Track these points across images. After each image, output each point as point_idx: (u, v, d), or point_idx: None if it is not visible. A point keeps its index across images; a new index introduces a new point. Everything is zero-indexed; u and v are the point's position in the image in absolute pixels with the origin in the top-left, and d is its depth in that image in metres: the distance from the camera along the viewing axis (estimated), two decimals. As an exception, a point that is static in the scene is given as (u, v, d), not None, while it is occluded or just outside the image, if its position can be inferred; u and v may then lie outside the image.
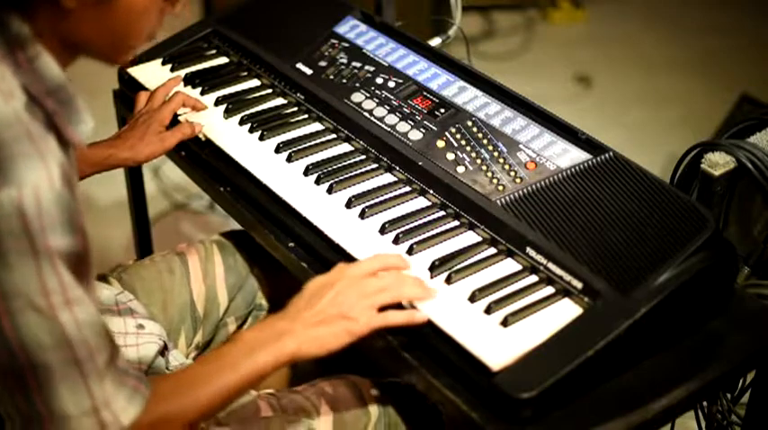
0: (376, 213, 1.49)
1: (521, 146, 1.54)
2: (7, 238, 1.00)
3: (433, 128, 1.61)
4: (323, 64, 1.80)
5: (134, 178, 2.04)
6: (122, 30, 1.10)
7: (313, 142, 1.66)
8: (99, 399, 1.07)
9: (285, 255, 1.50)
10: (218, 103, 1.77)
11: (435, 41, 2.02)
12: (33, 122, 1.03)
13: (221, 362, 1.20)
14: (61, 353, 1.04)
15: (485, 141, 1.56)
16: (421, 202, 1.52)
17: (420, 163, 1.55)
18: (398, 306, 1.30)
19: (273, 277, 1.77)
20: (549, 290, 1.35)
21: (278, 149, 1.64)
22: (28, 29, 1.03)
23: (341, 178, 1.56)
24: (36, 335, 1.02)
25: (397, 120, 1.64)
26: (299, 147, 1.64)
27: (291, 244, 1.49)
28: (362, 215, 1.48)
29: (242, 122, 1.71)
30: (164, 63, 1.91)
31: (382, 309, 1.28)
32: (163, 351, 1.53)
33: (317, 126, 1.71)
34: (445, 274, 1.36)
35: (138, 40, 1.13)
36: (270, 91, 1.81)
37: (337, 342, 1.25)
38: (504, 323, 1.28)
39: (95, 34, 1.08)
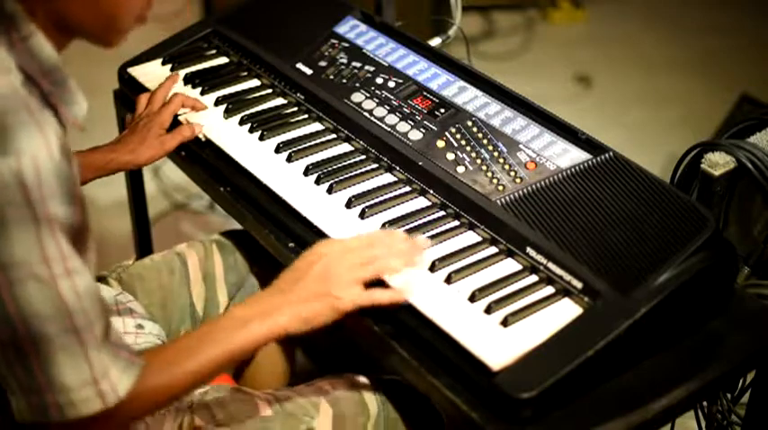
0: (376, 213, 1.49)
1: (521, 146, 1.54)
2: (7, 208, 1.01)
3: (433, 128, 1.61)
4: (323, 64, 1.80)
5: (134, 178, 2.04)
6: (110, 10, 1.11)
7: (313, 142, 1.66)
8: (97, 370, 1.09)
9: (285, 255, 1.50)
10: (218, 103, 1.77)
11: (435, 41, 2.02)
12: (30, 97, 1.04)
13: (211, 337, 1.22)
14: (61, 323, 1.05)
15: (485, 141, 1.56)
16: (421, 202, 1.52)
17: (420, 163, 1.55)
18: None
19: (273, 277, 1.76)
20: (549, 290, 1.35)
21: (278, 149, 1.64)
22: (21, 8, 1.05)
23: (341, 178, 1.56)
24: (36, 305, 1.04)
25: (397, 120, 1.64)
26: (299, 147, 1.64)
27: (291, 244, 1.49)
28: (362, 215, 1.48)
29: (242, 122, 1.71)
30: (164, 63, 1.91)
31: (371, 285, 1.30)
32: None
33: (316, 126, 1.71)
34: (445, 274, 1.36)
35: (126, 21, 1.15)
36: (270, 91, 1.81)
37: (323, 318, 1.27)
38: (505, 323, 1.28)
39: (85, 15, 1.10)
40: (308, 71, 1.79)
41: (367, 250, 1.31)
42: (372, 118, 1.66)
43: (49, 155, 1.02)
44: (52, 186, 1.03)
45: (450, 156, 1.55)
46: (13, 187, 1.00)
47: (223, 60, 1.92)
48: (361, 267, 1.29)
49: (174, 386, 1.19)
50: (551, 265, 1.35)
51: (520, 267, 1.39)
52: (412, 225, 1.46)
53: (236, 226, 1.71)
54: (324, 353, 1.99)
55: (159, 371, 1.17)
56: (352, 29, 1.86)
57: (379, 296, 1.30)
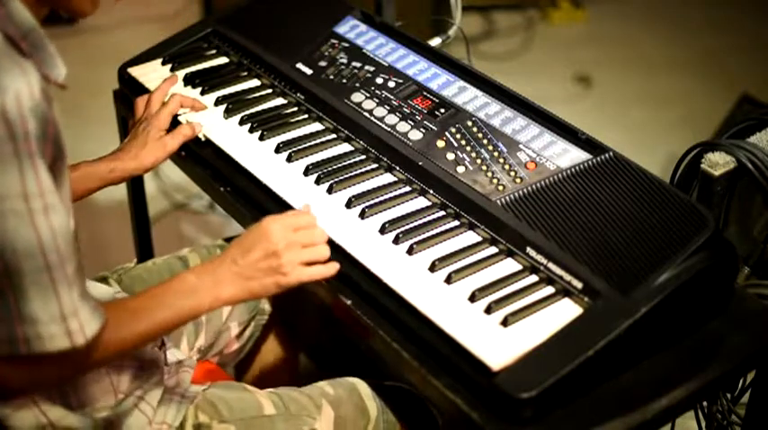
0: (376, 213, 1.49)
1: (521, 146, 1.54)
2: None
3: (433, 128, 1.61)
4: (323, 64, 1.80)
5: (134, 178, 2.04)
6: None
7: (313, 142, 1.66)
8: (67, 307, 1.12)
9: (285, 254, 1.49)
10: (218, 102, 1.77)
11: (435, 41, 2.02)
12: (12, 51, 1.08)
13: (162, 300, 1.29)
14: (34, 259, 1.09)
15: (485, 141, 1.56)
16: (421, 202, 1.52)
17: (420, 163, 1.55)
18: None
19: None
20: (549, 290, 1.35)
21: (278, 149, 1.63)
22: None
23: (341, 178, 1.56)
24: (12, 238, 1.07)
25: (397, 120, 1.64)
26: (299, 147, 1.64)
27: (291, 244, 1.49)
28: (362, 215, 1.48)
29: (242, 122, 1.71)
30: (164, 63, 1.91)
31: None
32: (161, 345, 1.53)
33: (316, 126, 1.71)
34: (445, 274, 1.36)
35: None
36: (270, 91, 1.81)
37: (267, 293, 1.36)
38: (505, 323, 1.28)
39: None
40: (308, 71, 1.79)
41: (308, 231, 1.38)
42: (372, 118, 1.66)
43: (30, 94, 1.06)
44: (33, 122, 1.06)
45: (450, 156, 1.55)
46: None
47: (223, 60, 1.92)
48: (305, 248, 1.37)
49: (126, 342, 1.25)
50: (551, 265, 1.35)
51: (520, 267, 1.39)
52: (412, 225, 1.46)
53: (237, 227, 1.71)
54: (326, 355, 1.99)
55: (115, 326, 1.22)
56: (352, 29, 1.86)
57: (318, 272, 1.38)
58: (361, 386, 1.52)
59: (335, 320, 1.44)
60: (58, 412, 1.30)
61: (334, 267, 1.40)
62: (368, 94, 1.70)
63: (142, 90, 1.82)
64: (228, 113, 1.74)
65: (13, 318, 1.11)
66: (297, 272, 1.36)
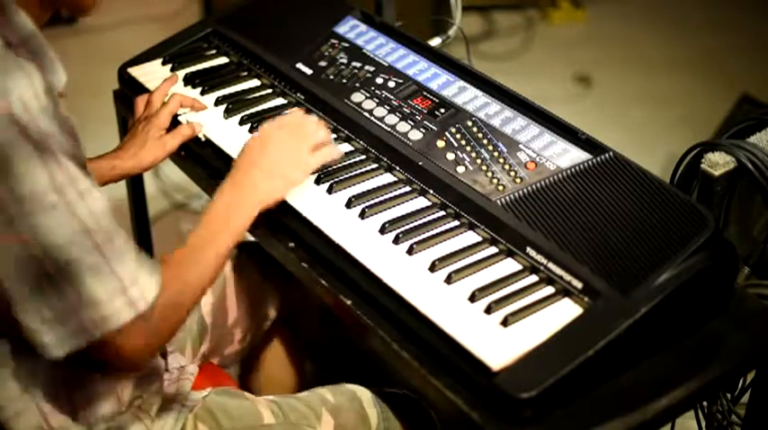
0: (376, 213, 1.49)
1: (521, 146, 1.54)
2: (7, 148, 1.05)
3: (433, 128, 1.61)
4: (323, 64, 1.80)
5: (134, 178, 2.03)
6: None
7: (313, 142, 1.65)
8: (125, 279, 1.13)
9: (285, 255, 1.50)
10: (218, 102, 1.77)
11: (435, 41, 2.02)
12: (12, 55, 1.09)
13: (213, 228, 1.33)
14: (82, 245, 1.10)
15: (485, 141, 1.56)
16: (421, 202, 1.52)
17: (420, 163, 1.55)
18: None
19: (285, 290, 1.77)
20: (550, 290, 1.35)
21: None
22: None
23: (341, 178, 1.56)
24: (56, 233, 1.08)
25: (397, 120, 1.64)
26: (299, 147, 1.64)
27: (291, 244, 1.49)
28: (362, 215, 1.48)
29: (242, 122, 1.71)
30: (164, 63, 1.91)
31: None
32: (163, 352, 1.53)
33: (317, 126, 1.71)
34: (445, 274, 1.36)
35: None
36: (270, 91, 1.81)
37: (297, 182, 1.47)
38: (505, 323, 1.28)
39: None
40: (308, 71, 1.79)
41: (306, 127, 1.51)
42: (372, 118, 1.66)
43: (34, 95, 1.06)
44: (45, 120, 1.07)
45: (450, 156, 1.55)
46: (7, 127, 1.04)
47: (223, 60, 1.92)
48: (308, 138, 1.49)
49: (202, 277, 1.28)
50: (551, 265, 1.35)
51: (520, 267, 1.39)
52: (412, 225, 1.46)
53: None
54: (328, 358, 1.99)
55: (183, 267, 1.26)
56: (352, 29, 1.86)
57: (327, 153, 1.51)
58: (362, 393, 1.51)
59: (337, 323, 1.44)
60: (61, 419, 1.29)
61: (338, 148, 1.55)
62: (368, 94, 1.70)
63: (142, 90, 1.82)
64: (228, 113, 1.74)
65: (78, 308, 1.11)
66: (307, 162, 1.47)
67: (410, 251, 1.41)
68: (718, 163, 1.64)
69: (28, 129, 1.05)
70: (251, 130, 1.69)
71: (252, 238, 1.61)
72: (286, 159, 1.45)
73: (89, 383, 1.30)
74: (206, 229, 1.33)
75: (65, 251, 1.09)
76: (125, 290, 1.13)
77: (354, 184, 1.55)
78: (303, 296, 1.80)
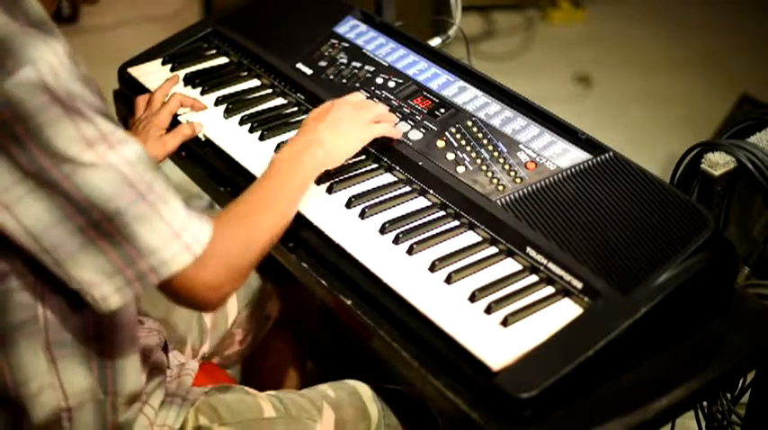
0: (376, 213, 1.49)
1: (521, 146, 1.54)
2: (39, 114, 1.07)
3: (433, 128, 1.61)
4: (323, 64, 1.80)
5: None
6: None
7: (313, 142, 1.65)
8: (176, 224, 1.16)
9: (285, 255, 1.50)
10: (218, 102, 1.77)
11: (435, 41, 2.02)
12: (31, 29, 1.11)
13: (271, 189, 1.37)
14: (126, 195, 1.12)
15: (485, 141, 1.56)
16: (421, 202, 1.52)
17: (420, 163, 1.55)
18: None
19: (285, 291, 1.77)
20: (550, 290, 1.35)
21: (278, 149, 1.63)
22: None
23: (341, 178, 1.56)
24: (98, 188, 1.10)
25: (397, 120, 1.64)
26: (299, 147, 1.63)
27: (291, 244, 1.49)
28: (362, 215, 1.48)
29: (242, 122, 1.71)
30: (164, 63, 1.91)
31: None
32: (164, 348, 1.53)
33: (317, 126, 1.71)
34: (445, 274, 1.36)
35: None
36: (270, 91, 1.81)
37: (359, 142, 1.51)
38: (505, 323, 1.28)
39: None
40: (308, 71, 1.79)
41: (366, 103, 1.57)
42: (372, 118, 1.66)
43: (59, 60, 1.09)
44: (72, 83, 1.09)
45: (450, 156, 1.55)
46: (38, 93, 1.07)
47: (223, 60, 1.92)
48: (368, 111, 1.54)
49: (256, 233, 1.29)
50: (551, 265, 1.35)
51: (520, 267, 1.39)
52: (412, 225, 1.46)
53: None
54: (328, 357, 1.99)
55: (233, 222, 1.28)
56: (352, 29, 1.86)
57: (385, 128, 1.56)
58: (363, 389, 1.52)
59: (337, 322, 1.44)
60: (81, 398, 1.27)
61: (398, 130, 1.58)
62: (368, 94, 1.70)
63: (142, 90, 1.82)
64: (228, 113, 1.74)
65: (134, 258, 1.13)
66: (367, 127, 1.52)
67: (410, 251, 1.41)
68: (718, 163, 1.64)
69: (57, 94, 1.08)
70: (251, 130, 1.69)
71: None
72: (348, 124, 1.49)
73: (118, 356, 1.30)
74: (272, 178, 1.38)
75: (111, 203, 1.11)
76: (178, 235, 1.16)
77: (354, 184, 1.55)
78: (303, 297, 1.80)
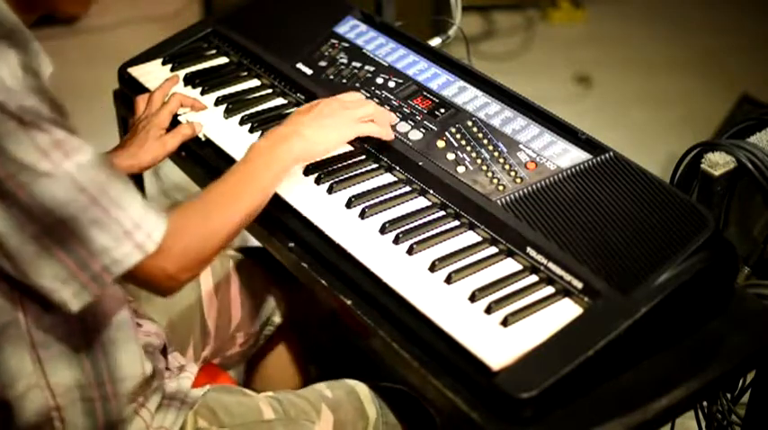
0: (376, 213, 1.49)
1: (521, 146, 1.54)
2: None
3: (433, 128, 1.61)
4: (323, 64, 1.80)
5: (134, 178, 2.02)
6: None
7: (313, 142, 1.65)
8: (127, 224, 1.16)
9: (285, 255, 1.50)
10: (218, 102, 1.77)
11: (435, 41, 2.02)
12: None
13: (244, 175, 1.39)
14: (79, 201, 1.12)
15: (485, 141, 1.56)
16: (421, 202, 1.52)
17: (420, 163, 1.55)
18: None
19: (290, 295, 1.77)
20: (550, 289, 1.35)
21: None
22: None
23: (341, 178, 1.56)
24: (52, 196, 1.11)
25: (397, 120, 1.64)
26: (299, 147, 1.63)
27: (291, 244, 1.49)
28: (362, 215, 1.48)
29: (242, 122, 1.71)
30: (164, 63, 1.91)
31: None
32: (164, 350, 1.53)
33: (317, 126, 1.71)
34: (445, 274, 1.36)
35: None
36: (270, 91, 1.81)
37: (338, 140, 1.51)
38: (505, 323, 1.28)
39: None
40: (308, 71, 1.79)
41: (365, 107, 1.55)
42: (372, 118, 1.66)
43: (11, 73, 1.09)
44: (25, 96, 1.10)
45: (451, 156, 1.55)
46: None
47: (223, 60, 1.92)
48: (356, 109, 1.53)
49: (219, 231, 1.30)
50: (551, 265, 1.35)
51: (520, 267, 1.39)
52: (412, 225, 1.46)
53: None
54: (326, 356, 1.99)
55: (200, 217, 1.28)
56: (352, 29, 1.86)
57: (374, 128, 1.55)
58: (360, 388, 1.52)
59: (339, 325, 1.44)
60: (68, 398, 1.28)
61: (390, 132, 1.57)
62: (368, 94, 1.70)
63: (142, 90, 1.82)
64: (228, 113, 1.74)
65: (87, 260, 1.14)
66: (354, 123, 1.52)
67: (410, 251, 1.41)
68: (718, 163, 1.64)
69: (6, 106, 1.08)
70: (251, 130, 1.69)
71: (254, 241, 1.61)
72: (332, 120, 1.49)
73: (111, 347, 1.31)
74: (245, 167, 1.40)
75: (64, 210, 1.12)
76: (130, 233, 1.16)
77: (354, 184, 1.55)
78: (306, 300, 1.79)
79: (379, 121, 1.56)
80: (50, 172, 1.11)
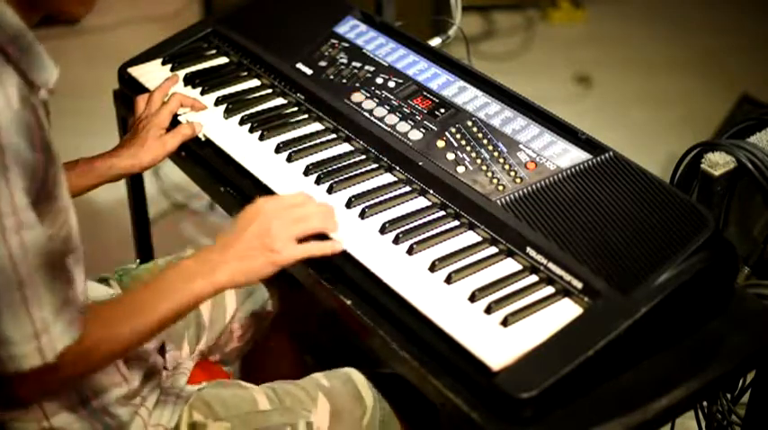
0: (376, 213, 1.49)
1: (521, 146, 1.54)
2: None
3: (433, 128, 1.61)
4: (323, 64, 1.80)
5: (134, 178, 2.04)
6: None
7: (313, 142, 1.66)
8: (39, 325, 1.11)
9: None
10: (218, 102, 1.77)
11: (435, 41, 2.02)
12: None
13: (159, 291, 1.26)
14: (5, 277, 1.07)
15: (485, 141, 1.56)
16: (421, 202, 1.52)
17: (420, 163, 1.55)
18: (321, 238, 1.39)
19: (284, 286, 1.76)
20: (550, 290, 1.35)
21: (278, 149, 1.63)
22: None
23: (341, 178, 1.56)
24: None
25: (397, 120, 1.64)
26: (299, 147, 1.64)
27: (291, 244, 1.49)
28: (362, 215, 1.48)
29: (242, 122, 1.71)
30: (164, 63, 1.91)
31: (304, 240, 1.36)
32: (161, 350, 1.53)
33: (316, 126, 1.71)
34: (445, 274, 1.36)
35: None
36: (270, 91, 1.81)
37: (263, 272, 1.33)
38: (505, 323, 1.28)
39: None
40: (308, 71, 1.79)
41: (300, 208, 1.37)
42: (372, 118, 1.66)
43: (7, 105, 1.04)
44: (11, 135, 1.04)
45: (451, 156, 1.55)
46: None
47: (223, 60, 1.92)
48: (296, 223, 1.35)
49: (116, 343, 1.22)
50: (551, 265, 1.35)
51: (520, 267, 1.39)
52: (412, 225, 1.46)
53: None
54: (322, 346, 1.99)
55: (106, 325, 1.20)
56: (352, 29, 1.86)
57: (314, 249, 1.37)
58: (356, 375, 1.52)
59: (336, 321, 1.44)
60: (63, 417, 1.29)
61: (333, 244, 1.39)
62: (368, 94, 1.70)
63: (142, 90, 1.82)
64: (228, 113, 1.74)
65: None
66: (290, 249, 1.33)
67: (410, 251, 1.41)
68: (718, 163, 1.64)
69: None
70: (251, 130, 1.69)
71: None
72: (260, 243, 1.32)
73: (95, 379, 1.30)
74: (152, 288, 1.27)
75: None
76: (38, 335, 1.11)
77: (354, 184, 1.55)
78: (302, 294, 1.79)
79: (322, 226, 1.39)
80: None
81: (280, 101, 1.79)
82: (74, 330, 1.15)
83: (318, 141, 1.66)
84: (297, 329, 1.86)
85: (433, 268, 1.37)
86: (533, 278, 1.37)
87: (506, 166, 1.51)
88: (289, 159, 1.62)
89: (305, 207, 1.38)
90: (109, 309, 1.24)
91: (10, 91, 1.06)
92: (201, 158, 1.69)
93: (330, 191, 1.53)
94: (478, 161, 1.53)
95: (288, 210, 1.35)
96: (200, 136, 1.69)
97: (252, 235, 1.32)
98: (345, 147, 1.65)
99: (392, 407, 1.51)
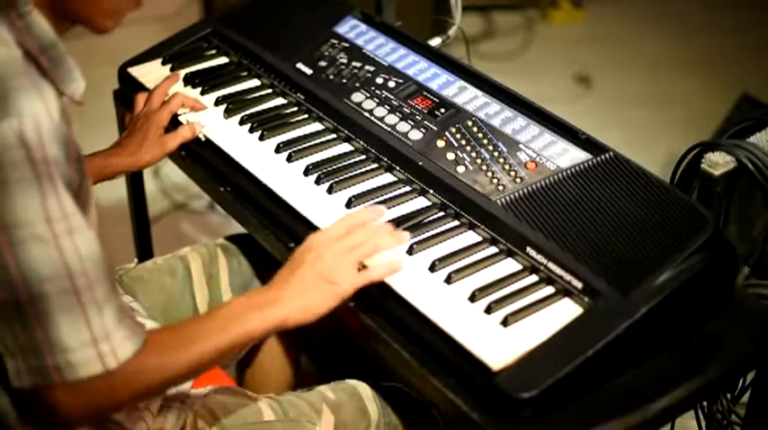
0: (376, 213, 1.49)
1: (521, 146, 1.54)
2: (10, 169, 1.02)
3: (433, 128, 1.61)
4: (323, 64, 1.80)
5: (134, 178, 2.04)
6: None
7: (313, 142, 1.66)
8: (98, 331, 1.09)
9: (285, 254, 1.49)
10: (218, 102, 1.77)
11: (435, 41, 2.02)
12: (30, 68, 1.07)
13: (215, 325, 1.23)
14: (60, 283, 1.06)
15: (485, 141, 1.56)
16: (421, 202, 1.52)
17: (420, 163, 1.55)
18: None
19: None
20: (550, 289, 1.35)
21: (278, 149, 1.63)
22: None
23: (341, 178, 1.56)
24: (37, 265, 1.04)
25: (397, 120, 1.64)
26: (299, 147, 1.64)
27: (292, 244, 1.49)
28: (362, 215, 1.48)
29: (242, 122, 1.71)
30: (164, 63, 1.91)
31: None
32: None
33: (316, 126, 1.71)
34: (445, 274, 1.36)
35: (121, 3, 1.24)
36: (270, 91, 1.81)
37: (325, 306, 1.28)
38: (505, 323, 1.28)
39: None
40: (308, 71, 1.79)
41: (354, 236, 1.33)
42: (372, 118, 1.66)
43: (48, 116, 1.05)
44: (53, 146, 1.05)
45: (451, 155, 1.55)
46: (15, 148, 1.02)
47: (223, 60, 1.92)
48: (352, 251, 1.31)
49: (170, 370, 1.18)
50: (551, 265, 1.35)
51: (520, 267, 1.39)
52: (412, 225, 1.46)
53: (237, 226, 1.71)
54: (326, 357, 1.99)
55: (164, 350, 1.17)
56: (352, 29, 1.86)
57: (375, 273, 1.32)
58: (362, 388, 1.51)
59: (334, 321, 1.44)
60: None
61: (392, 264, 1.33)
62: (368, 94, 1.70)
63: (142, 90, 1.82)
64: (228, 113, 1.74)
65: (41, 346, 1.07)
66: (350, 278, 1.29)
67: (410, 251, 1.41)
68: (718, 163, 1.64)
69: (33, 154, 1.03)
70: (251, 130, 1.69)
71: (241, 228, 1.60)
72: (316, 275, 1.28)
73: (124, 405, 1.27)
74: (205, 322, 1.26)
75: (41, 285, 1.05)
76: (96, 342, 1.08)
77: (354, 184, 1.55)
78: None
79: (379, 246, 1.34)
80: (46, 239, 1.04)
81: (280, 101, 1.79)
82: (137, 339, 1.13)
83: (318, 141, 1.66)
84: (294, 330, 1.86)
85: (433, 268, 1.37)
86: (533, 278, 1.37)
87: (506, 166, 1.51)
88: (289, 159, 1.62)
89: (357, 233, 1.33)
90: (168, 336, 1.21)
91: (51, 103, 1.06)
92: (201, 158, 1.69)
93: (330, 191, 1.53)
94: (478, 161, 1.53)
95: (341, 239, 1.32)
96: (201, 136, 1.69)
97: (307, 270, 1.28)
98: (345, 147, 1.65)
99: (397, 421, 1.51)
